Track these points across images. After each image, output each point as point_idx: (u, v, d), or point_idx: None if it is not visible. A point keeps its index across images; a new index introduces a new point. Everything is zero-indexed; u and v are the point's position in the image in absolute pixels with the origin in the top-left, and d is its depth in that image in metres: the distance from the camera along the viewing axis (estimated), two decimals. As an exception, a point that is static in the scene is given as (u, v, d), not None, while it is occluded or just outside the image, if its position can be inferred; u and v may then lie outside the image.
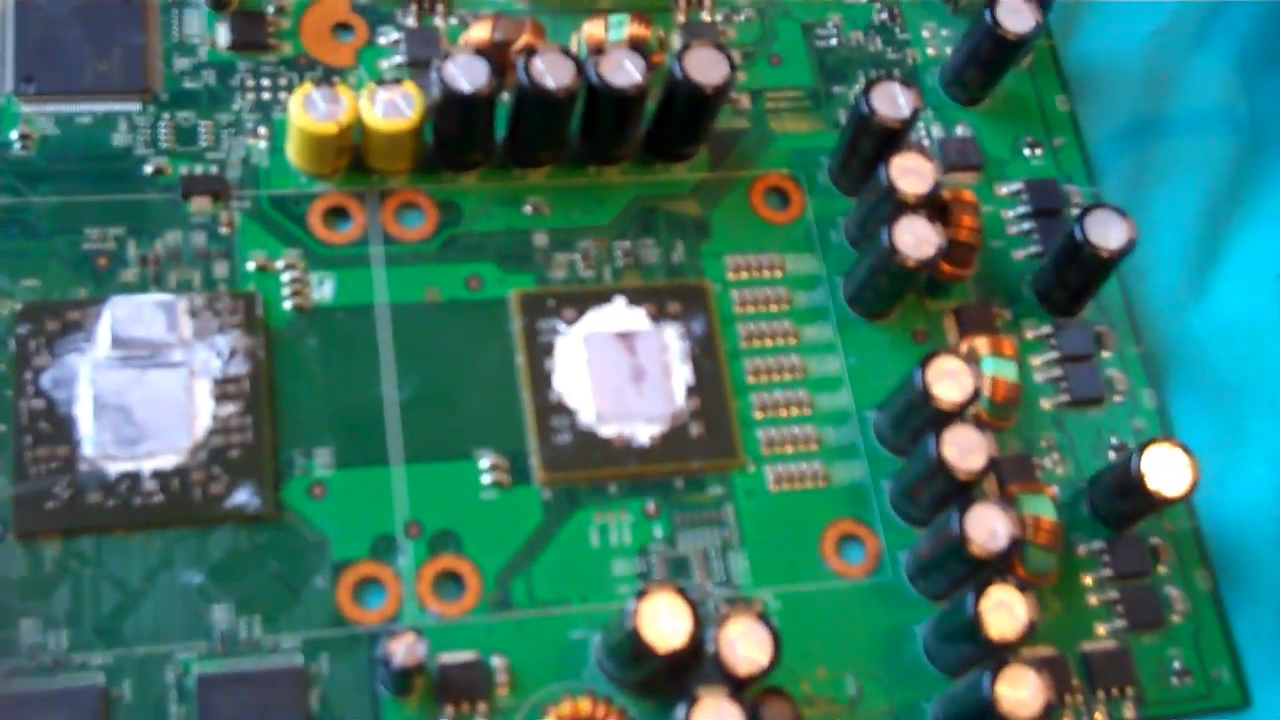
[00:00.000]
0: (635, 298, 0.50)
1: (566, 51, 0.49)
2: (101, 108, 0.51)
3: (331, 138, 0.49)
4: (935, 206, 0.50)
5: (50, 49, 0.51)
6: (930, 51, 0.58)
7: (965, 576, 0.45)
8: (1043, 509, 0.47)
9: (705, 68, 0.50)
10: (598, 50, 0.51)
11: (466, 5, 0.55)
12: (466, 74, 0.49)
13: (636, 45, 0.52)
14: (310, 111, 0.49)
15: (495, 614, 0.46)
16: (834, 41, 0.57)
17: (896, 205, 0.49)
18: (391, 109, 0.49)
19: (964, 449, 0.45)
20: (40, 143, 0.50)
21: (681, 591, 0.42)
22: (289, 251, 0.50)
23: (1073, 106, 0.57)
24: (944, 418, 0.46)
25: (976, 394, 0.46)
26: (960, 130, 0.56)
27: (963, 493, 0.46)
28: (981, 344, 0.50)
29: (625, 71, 0.49)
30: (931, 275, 0.50)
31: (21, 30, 0.51)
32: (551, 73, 0.49)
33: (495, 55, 0.51)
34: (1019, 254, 0.54)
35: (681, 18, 0.57)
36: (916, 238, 0.48)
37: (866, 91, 0.51)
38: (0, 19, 0.52)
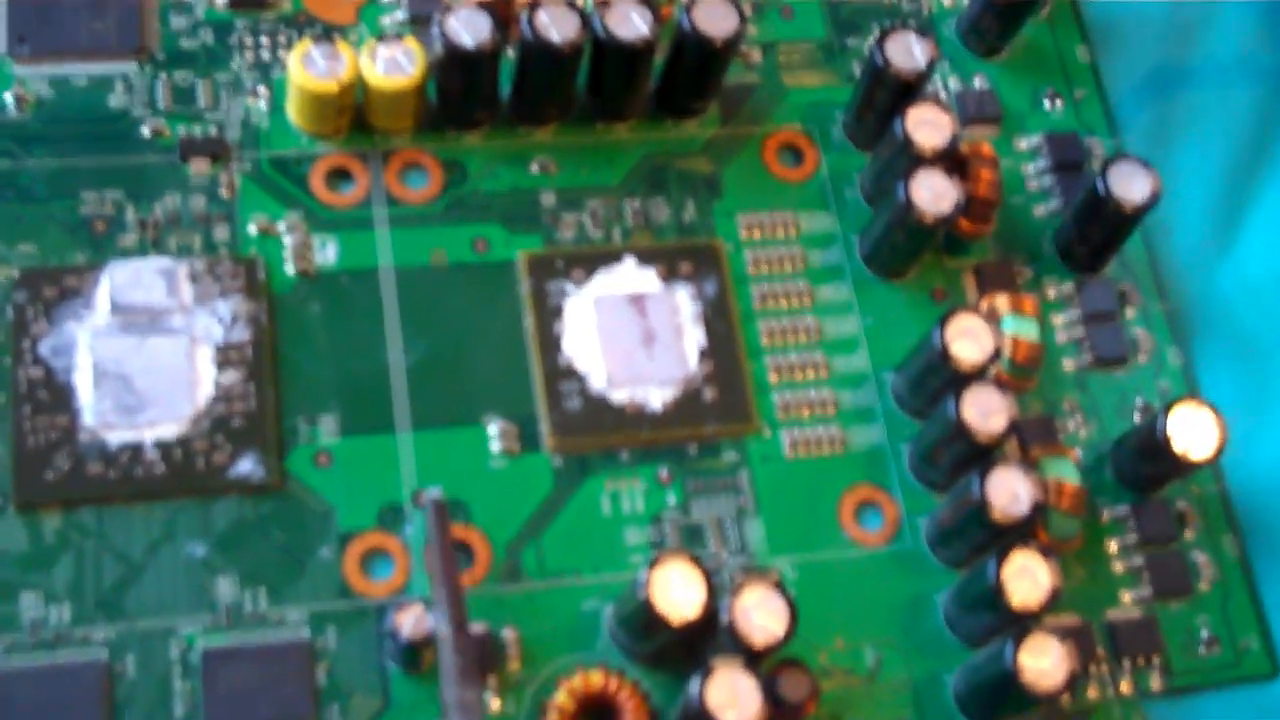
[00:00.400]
0: (646, 258, 0.49)
1: (571, 4, 0.48)
2: (97, 68, 0.50)
3: (332, 96, 0.48)
4: (953, 160, 0.48)
5: (44, 8, 0.50)
6: (946, 2, 0.56)
7: (986, 543, 0.44)
8: (1066, 473, 0.46)
9: (714, 20, 0.49)
10: (603, 2, 0.49)
11: (469, -41, 0.53)
12: (469, 29, 0.47)
13: (645, -2, 0.50)
14: (310, 69, 0.48)
15: (505, 585, 0.45)
16: (847, -9, 0.55)
17: (913, 159, 0.48)
18: (393, 66, 0.48)
19: (984, 411, 0.44)
20: (35, 105, 0.49)
21: (695, 560, 0.41)
22: (291, 214, 0.49)
23: (1093, 57, 0.56)
24: (964, 378, 0.45)
25: (997, 354, 0.45)
26: (978, 82, 0.55)
27: (983, 456, 0.45)
28: (1002, 302, 0.48)
29: (632, 24, 0.48)
30: (950, 232, 0.49)
31: (13, -9, 0.50)
32: (556, 26, 0.48)
33: (498, 9, 0.50)
34: (1039, 209, 0.53)
35: (690, -30, 0.55)
36: (934, 192, 0.47)
37: (880, 42, 0.49)
38: (-9, -21, 0.50)
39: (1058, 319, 0.51)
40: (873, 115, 0.51)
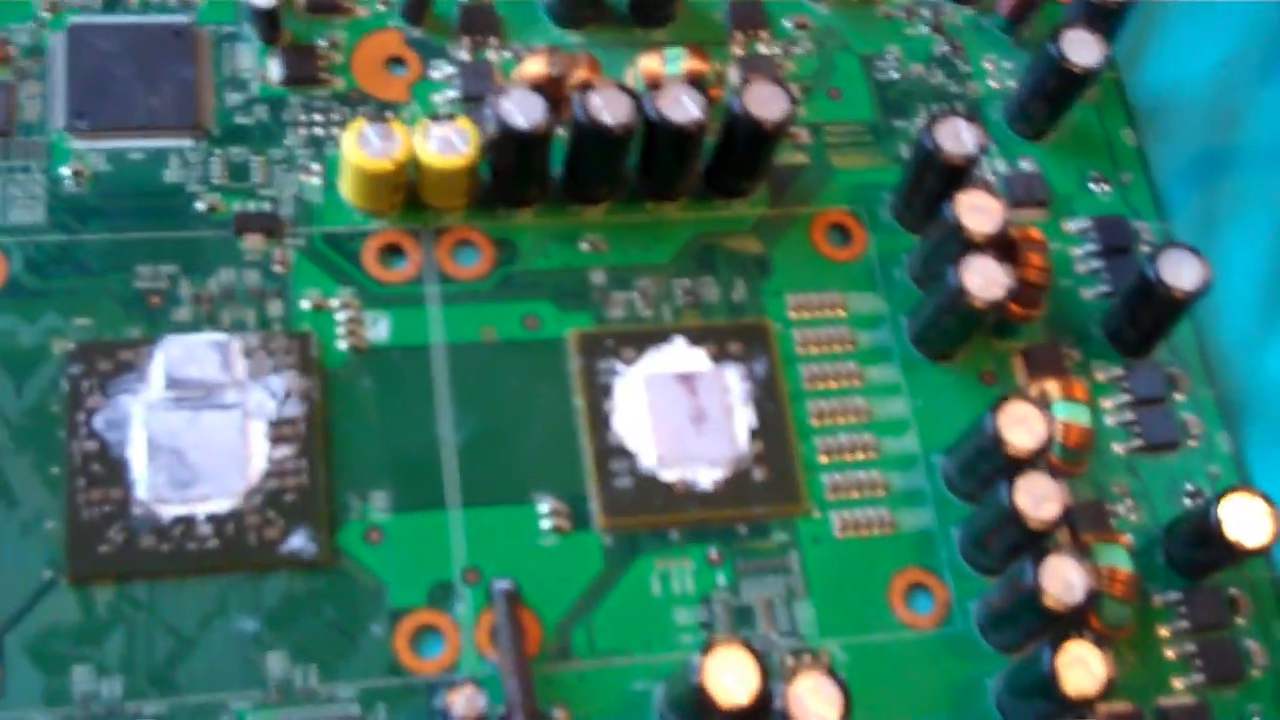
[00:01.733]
0: (695, 337, 0.49)
1: (624, 87, 0.48)
2: (153, 143, 0.50)
3: (386, 175, 0.48)
4: (1003, 245, 0.48)
5: (102, 84, 0.51)
6: (993, 84, 0.57)
7: (1039, 629, 0.44)
8: (1118, 560, 0.46)
9: (765, 103, 0.49)
10: (655, 85, 0.50)
11: (520, 38, 0.54)
12: (522, 110, 0.48)
13: (694, 80, 0.51)
14: (364, 148, 0.48)
15: (556, 664, 0.45)
16: (894, 74, 0.56)
17: (963, 244, 0.48)
18: (446, 145, 0.49)
19: (1037, 497, 0.44)
20: (92, 179, 0.49)
21: (748, 645, 0.41)
22: (343, 290, 0.49)
23: (1140, 140, 0.56)
24: (1016, 465, 0.45)
25: (1050, 441, 0.45)
26: (1025, 165, 0.55)
27: (1036, 542, 0.44)
28: (1052, 387, 0.48)
29: (684, 107, 0.49)
30: (999, 316, 0.49)
31: (73, 66, 0.51)
32: (609, 109, 0.48)
33: (550, 88, 0.50)
34: (1088, 293, 0.53)
35: (738, 50, 0.55)
36: (985, 278, 0.47)
37: (930, 127, 0.50)
38: (52, 54, 0.51)
39: (1106, 403, 0.51)
40: (921, 198, 0.51)
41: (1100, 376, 0.52)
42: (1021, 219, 0.53)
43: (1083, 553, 0.44)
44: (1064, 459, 0.48)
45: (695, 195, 0.52)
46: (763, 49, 0.56)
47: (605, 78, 0.51)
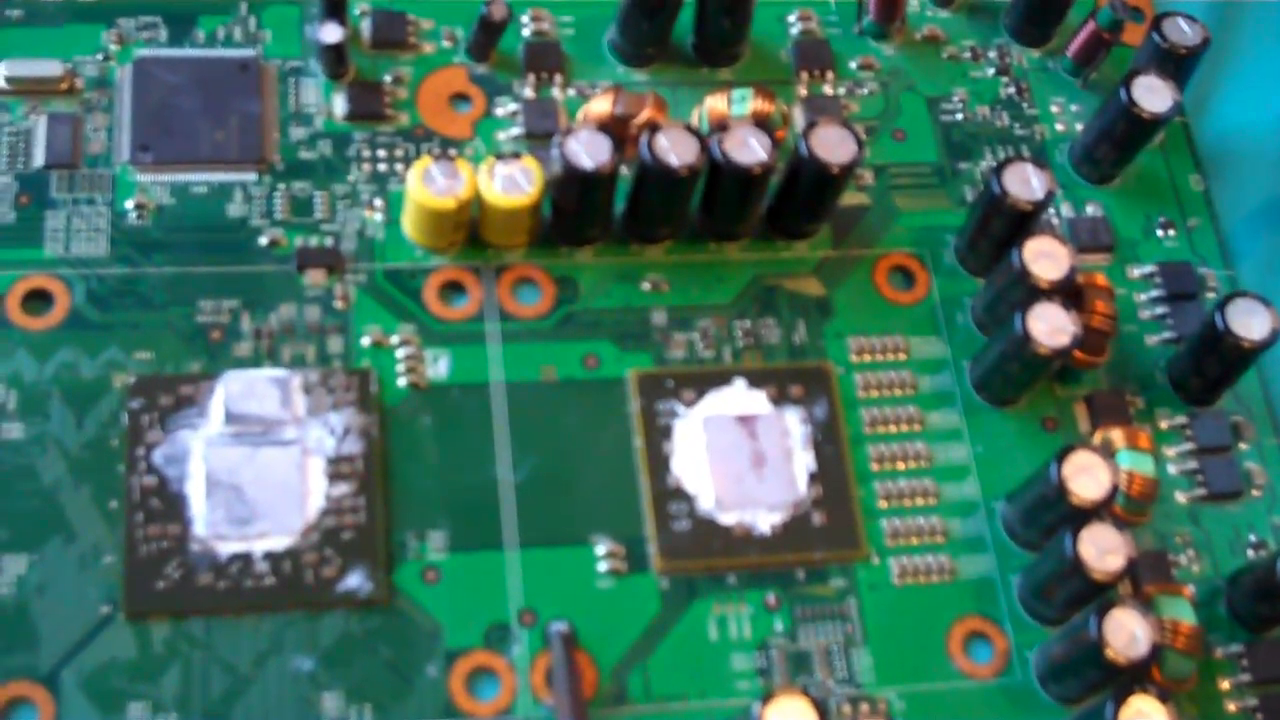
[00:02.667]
0: (756, 380, 0.49)
1: (690, 128, 0.48)
2: (217, 177, 0.51)
3: (450, 213, 0.48)
4: (1069, 292, 0.48)
5: (167, 118, 0.51)
6: (1059, 127, 0.56)
7: (1101, 682, 0.44)
8: (1182, 612, 0.45)
9: (832, 146, 0.49)
10: (721, 126, 0.50)
11: (584, 76, 0.54)
12: (589, 150, 0.48)
13: (760, 121, 0.50)
14: (429, 186, 0.48)
15: (611, 708, 0.44)
16: (959, 116, 0.56)
17: (1029, 290, 0.48)
18: (510, 184, 0.49)
19: (1102, 549, 0.43)
20: (156, 212, 0.50)
21: (808, 694, 0.40)
22: (404, 327, 0.49)
23: (1207, 186, 0.56)
24: (1080, 515, 0.44)
25: (1115, 492, 0.44)
26: (1091, 209, 0.54)
27: (1098, 593, 0.44)
28: (1117, 436, 0.48)
29: (750, 149, 0.48)
30: (1064, 363, 0.48)
31: (139, 99, 0.51)
32: (675, 150, 0.48)
33: (616, 129, 0.50)
34: (1152, 339, 0.52)
35: (803, 91, 0.55)
36: (1051, 325, 0.47)
37: (999, 172, 0.49)
38: (118, 88, 0.51)
39: (1170, 451, 0.50)
40: (987, 242, 0.51)
41: (1164, 424, 0.51)
42: (1086, 264, 0.52)
43: (1146, 604, 0.44)
44: (1127, 509, 0.47)
45: (757, 236, 0.52)
46: (827, 89, 0.55)
47: (671, 118, 0.51)
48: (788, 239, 0.52)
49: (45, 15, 0.52)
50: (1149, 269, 0.53)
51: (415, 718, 0.44)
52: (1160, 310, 0.53)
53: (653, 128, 0.48)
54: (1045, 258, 0.48)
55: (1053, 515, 0.45)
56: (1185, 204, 0.55)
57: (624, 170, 0.50)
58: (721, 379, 0.49)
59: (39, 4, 0.52)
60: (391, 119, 0.53)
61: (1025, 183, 0.49)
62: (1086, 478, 0.45)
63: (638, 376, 0.49)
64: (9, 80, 0.51)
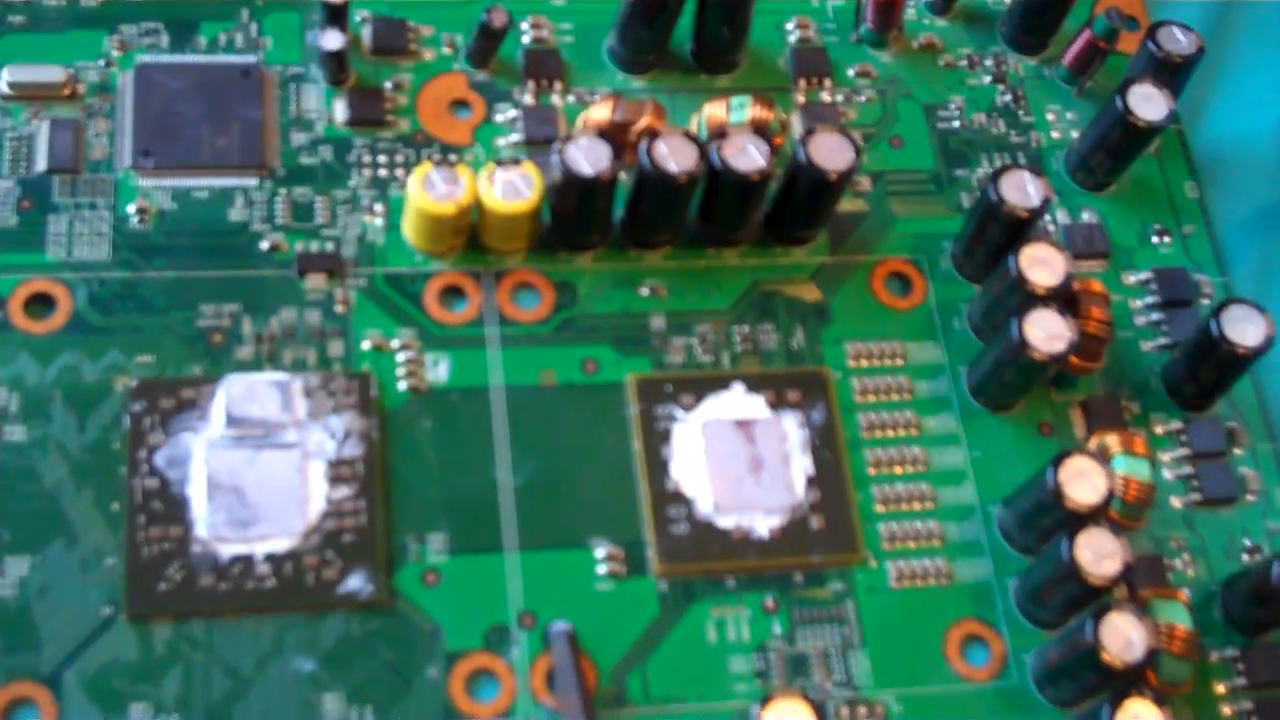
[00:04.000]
0: (754, 384, 0.49)
1: (689, 135, 0.48)
2: (219, 182, 0.51)
3: (450, 218, 0.49)
4: (1065, 298, 0.48)
5: (169, 123, 0.51)
6: (1055, 135, 0.57)
7: (1097, 685, 0.44)
8: (1178, 616, 0.45)
9: (830, 153, 0.49)
10: (719, 133, 0.50)
11: (583, 83, 0.55)
12: (589, 157, 0.48)
13: (759, 128, 0.51)
14: (429, 191, 0.48)
15: (611, 710, 0.45)
16: (956, 124, 0.56)
17: (1026, 297, 0.48)
18: (510, 190, 0.49)
19: (1098, 553, 0.44)
20: (157, 217, 0.50)
21: (806, 696, 0.40)
22: (404, 331, 0.49)
23: (1202, 193, 0.56)
24: (1076, 520, 0.44)
25: (1110, 497, 0.45)
26: (1086, 216, 0.55)
27: (1095, 597, 0.44)
28: (1113, 441, 0.48)
29: (749, 156, 0.49)
30: (1060, 368, 0.48)
31: (141, 104, 0.51)
32: (674, 157, 0.48)
33: (616, 136, 0.50)
34: (1147, 345, 0.53)
35: (801, 98, 0.55)
36: (1047, 331, 0.47)
37: (996, 179, 0.50)
38: (120, 93, 0.51)
39: (1165, 456, 0.51)
40: (983, 249, 0.51)
41: (1159, 429, 0.51)
42: (1082, 271, 0.53)
43: (1142, 609, 0.44)
44: (1124, 514, 0.48)
45: (755, 241, 0.52)
46: (825, 96, 0.56)
47: (670, 125, 0.51)
48: (785, 245, 0.52)
49: (48, 21, 0.52)
50: (1144, 275, 0.54)
51: (416, 719, 0.44)
52: (1155, 316, 0.53)
53: (652, 134, 0.49)
54: (1041, 264, 0.49)
55: (1049, 520, 0.46)
56: (1180, 211, 0.56)
57: (623, 176, 0.50)
58: (720, 384, 0.50)
59: (42, 9, 0.52)
60: (392, 125, 0.53)
61: (1022, 190, 0.50)
62: (1083, 483, 0.45)
63: (636, 381, 0.49)
64: (11, 86, 0.51)
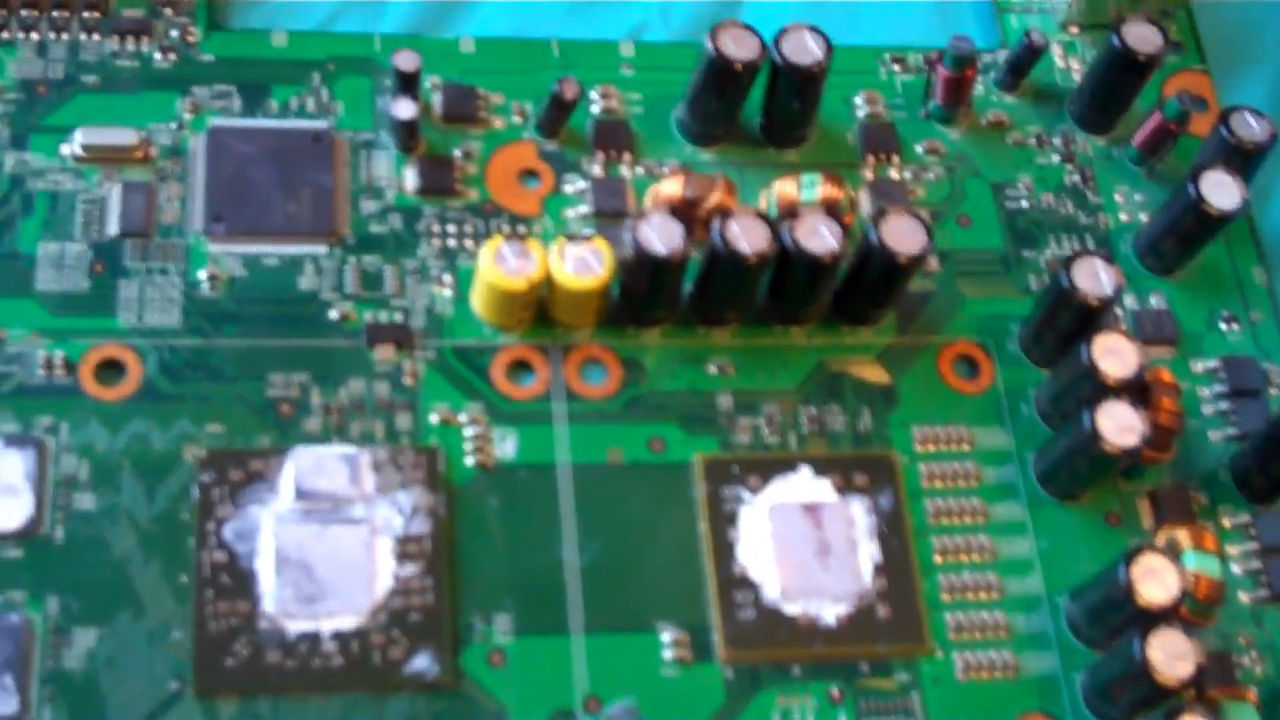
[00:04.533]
0: (821, 467, 0.49)
1: (761, 215, 0.48)
2: (289, 249, 0.51)
3: (521, 294, 0.48)
4: (1137, 390, 0.48)
5: (240, 188, 0.51)
6: (1123, 217, 0.56)
7: (1167, 788, 0.43)
8: (1247, 718, 0.45)
9: (901, 236, 0.49)
10: (790, 211, 0.50)
11: (652, 155, 0.54)
12: (661, 236, 0.48)
13: (830, 208, 0.51)
14: (501, 266, 0.48)
15: (676, 798, 0.44)
16: (1024, 203, 0.56)
17: (1098, 387, 0.48)
18: (582, 266, 0.49)
19: (1171, 654, 0.44)
20: (228, 283, 0.50)
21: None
22: (471, 405, 0.49)
23: (1270, 279, 0.56)
24: (1148, 619, 0.44)
25: (1183, 597, 0.44)
26: (1154, 301, 0.54)
27: (1165, 698, 0.44)
28: (1183, 536, 0.48)
29: (821, 237, 0.49)
30: (1131, 461, 0.48)
31: (212, 168, 0.51)
32: (746, 237, 0.48)
33: (686, 212, 0.50)
34: (1215, 435, 0.52)
35: (869, 174, 0.55)
36: (1119, 423, 0.47)
37: (1068, 265, 0.49)
38: (191, 156, 0.51)
39: (1234, 550, 0.50)
40: (1053, 335, 0.51)
41: (1226, 522, 0.51)
42: (1150, 357, 0.52)
43: (1212, 710, 0.44)
44: (1194, 611, 0.47)
45: (823, 320, 0.52)
46: (894, 173, 0.55)
47: (742, 204, 0.51)
48: (853, 323, 0.52)
49: (120, 81, 0.52)
50: (1212, 363, 0.54)
51: (480, 802, 0.44)
52: (1224, 406, 0.53)
53: (724, 213, 0.49)
54: (1113, 354, 0.48)
55: (1119, 616, 0.46)
56: (1249, 296, 0.55)
57: (694, 254, 0.50)
58: (787, 466, 0.49)
59: (114, 69, 0.52)
60: (461, 194, 0.53)
61: (1094, 277, 0.50)
62: (1154, 580, 0.45)
63: (704, 462, 0.49)
64: (85, 148, 0.51)
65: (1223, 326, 0.55)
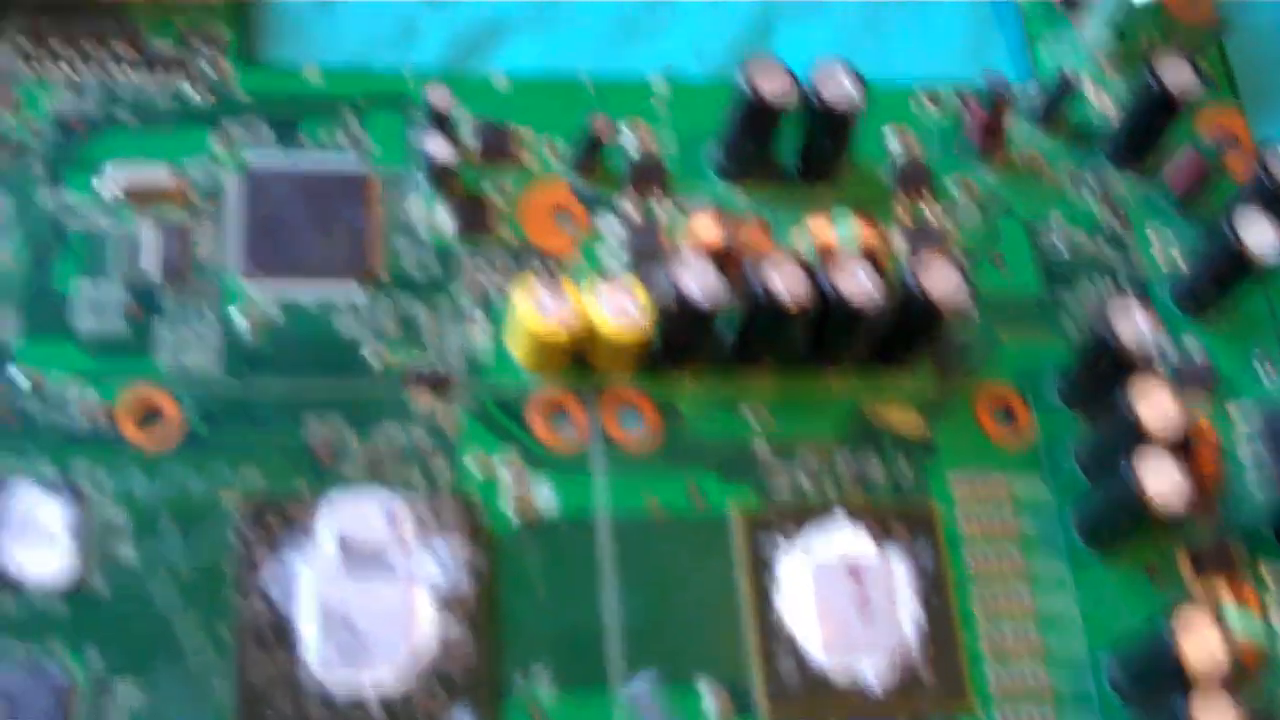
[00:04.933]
0: (859, 518, 0.49)
1: (800, 260, 0.48)
2: (325, 291, 0.50)
3: (560, 342, 0.48)
4: (1180, 444, 0.48)
5: (275, 228, 0.51)
6: (1158, 257, 0.56)
7: None
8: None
9: (941, 283, 0.49)
10: (827, 254, 0.49)
11: (684, 191, 0.54)
12: (700, 284, 0.48)
13: (869, 254, 0.50)
14: (538, 310, 0.48)
15: None
16: (1059, 243, 0.55)
17: (1140, 440, 0.47)
18: (620, 312, 0.48)
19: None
20: (264, 325, 0.49)
21: None
22: (509, 451, 0.49)
23: (1309, 321, 0.56)
24: (1192, 683, 0.44)
25: (1229, 662, 0.44)
26: (1190, 344, 0.54)
27: (1209, 761, 0.44)
28: (1226, 595, 0.48)
29: (860, 283, 0.48)
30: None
31: (247, 209, 0.51)
32: (786, 285, 0.48)
33: (721, 255, 0.50)
34: (1253, 485, 0.52)
35: (902, 211, 0.55)
36: (1163, 479, 0.47)
37: (1107, 313, 0.49)
38: (226, 196, 0.51)
39: (1273, 605, 0.50)
40: (1092, 382, 0.51)
41: (1268, 575, 0.51)
42: (1187, 401, 0.52)
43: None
44: (1235, 673, 0.47)
45: (859, 363, 0.52)
46: (926, 211, 0.55)
47: (779, 247, 0.51)
48: (889, 366, 0.52)
49: (154, 116, 0.52)
50: (1249, 409, 0.53)
51: None
52: (1263, 452, 0.52)
53: (761, 257, 0.48)
54: (1155, 407, 0.48)
55: (1164, 679, 0.45)
56: (1289, 340, 0.55)
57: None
58: (826, 517, 0.49)
59: (149, 105, 0.52)
60: (495, 233, 0.52)
61: (1134, 326, 0.50)
62: (1199, 644, 0.45)
63: (741, 515, 0.49)
64: (121, 189, 0.50)
65: (1259, 369, 0.54)
